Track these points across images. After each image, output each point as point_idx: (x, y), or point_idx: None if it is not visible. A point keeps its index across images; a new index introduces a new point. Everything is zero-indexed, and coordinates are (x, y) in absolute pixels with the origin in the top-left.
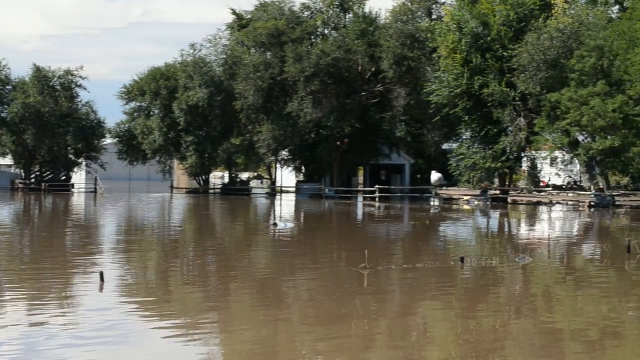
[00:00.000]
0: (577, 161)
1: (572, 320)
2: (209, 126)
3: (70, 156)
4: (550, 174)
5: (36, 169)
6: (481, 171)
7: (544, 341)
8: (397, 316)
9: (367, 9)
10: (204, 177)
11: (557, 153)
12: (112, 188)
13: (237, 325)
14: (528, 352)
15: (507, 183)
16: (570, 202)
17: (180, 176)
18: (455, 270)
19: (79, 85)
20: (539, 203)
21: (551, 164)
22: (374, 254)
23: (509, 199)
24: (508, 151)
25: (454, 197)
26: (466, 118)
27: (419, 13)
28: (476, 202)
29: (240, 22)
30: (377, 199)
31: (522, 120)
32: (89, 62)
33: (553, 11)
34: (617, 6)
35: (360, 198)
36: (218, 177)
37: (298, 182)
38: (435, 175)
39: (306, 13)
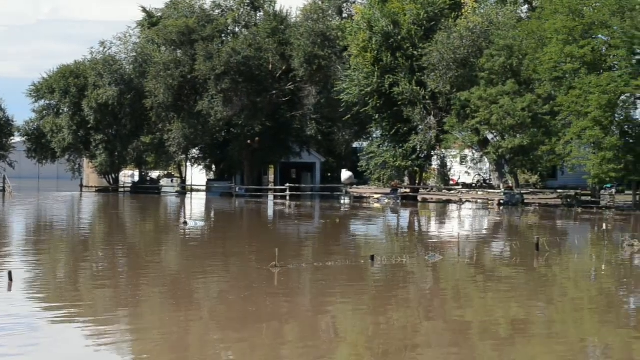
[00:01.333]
0: (486, 160)
1: (482, 317)
2: (119, 124)
3: None
4: (460, 173)
5: None
6: (391, 170)
7: (455, 338)
8: (308, 315)
9: (277, 8)
10: (114, 175)
11: (467, 151)
12: (21, 187)
13: (147, 325)
14: (438, 348)
15: (417, 181)
16: (480, 201)
17: (90, 175)
18: (366, 268)
19: None
20: (449, 201)
21: (461, 163)
22: (285, 252)
23: (419, 198)
24: (418, 150)
25: (365, 195)
26: (377, 117)
27: (329, 12)
28: (386, 201)
29: (151, 20)
30: (287, 198)
31: (432, 119)
32: None
33: (463, 10)
34: (526, 6)
35: (271, 197)
36: (128, 176)
37: (209, 180)
38: (345, 174)
39: (217, 11)
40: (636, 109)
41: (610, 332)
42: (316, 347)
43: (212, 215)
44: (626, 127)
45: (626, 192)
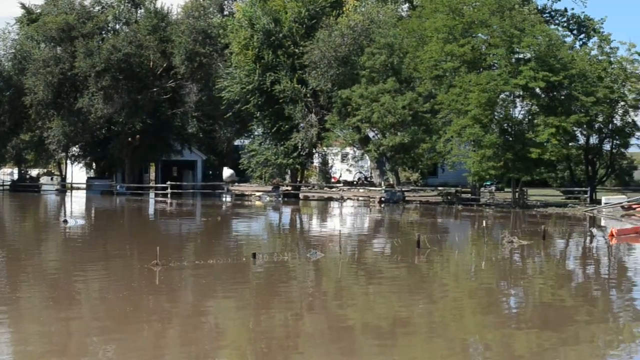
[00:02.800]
0: (367, 157)
1: (364, 314)
2: None
3: None
4: (341, 170)
5: None
6: (273, 167)
7: (337, 335)
8: (189, 314)
9: (158, 5)
10: None
11: (348, 149)
12: None
13: (25, 326)
14: (321, 346)
15: (298, 179)
16: (361, 198)
17: None
18: (248, 266)
19: None
20: (330, 199)
21: (342, 160)
22: (166, 251)
23: (301, 195)
24: (300, 147)
25: (246, 193)
26: (258, 114)
27: (211, 9)
28: (268, 199)
29: (30, 17)
30: (169, 196)
31: (314, 117)
32: None
33: (344, 9)
34: (407, 4)
35: (152, 195)
36: (7, 174)
37: (89, 178)
38: (227, 172)
39: (97, 8)
40: (515, 107)
41: (490, 328)
42: (198, 346)
43: (93, 213)
44: (505, 125)
45: (506, 190)
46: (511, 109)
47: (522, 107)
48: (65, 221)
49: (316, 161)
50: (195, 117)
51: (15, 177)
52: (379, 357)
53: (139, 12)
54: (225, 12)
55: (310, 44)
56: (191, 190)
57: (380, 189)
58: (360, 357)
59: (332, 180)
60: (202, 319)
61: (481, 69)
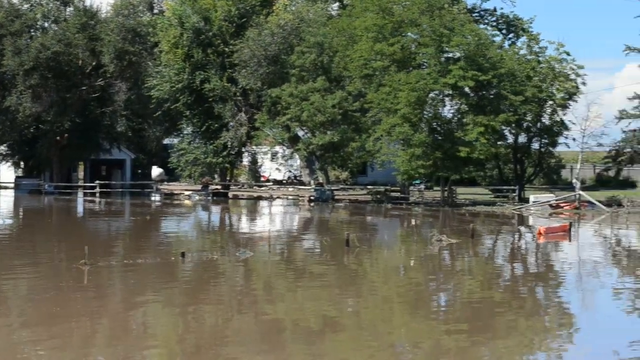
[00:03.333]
0: (297, 156)
1: (294, 314)
2: None
3: None
4: (271, 169)
5: None
6: (202, 166)
7: (266, 333)
8: (117, 313)
9: (87, 3)
10: None
11: (277, 148)
12: None
13: None
14: (250, 344)
15: (228, 178)
16: (290, 197)
17: None
18: (177, 265)
19: None
20: (260, 198)
21: (272, 159)
22: (95, 250)
23: (230, 194)
24: (229, 146)
25: (176, 192)
26: (187, 113)
27: (140, 7)
28: (197, 198)
29: None
30: (97, 195)
31: (243, 116)
32: None
33: (274, 7)
34: (336, 3)
35: (80, 194)
36: None
37: (17, 177)
38: (156, 171)
39: (26, 6)
40: (444, 106)
41: (419, 325)
42: (126, 345)
43: (21, 212)
44: (435, 124)
45: (435, 189)
46: (440, 108)
47: (451, 106)
48: None
49: (246, 160)
50: (125, 116)
51: None
52: (308, 355)
53: (68, 10)
54: (155, 10)
55: (240, 42)
56: (120, 190)
57: (309, 187)
58: (290, 355)
59: (262, 179)
60: (131, 318)
61: (411, 68)
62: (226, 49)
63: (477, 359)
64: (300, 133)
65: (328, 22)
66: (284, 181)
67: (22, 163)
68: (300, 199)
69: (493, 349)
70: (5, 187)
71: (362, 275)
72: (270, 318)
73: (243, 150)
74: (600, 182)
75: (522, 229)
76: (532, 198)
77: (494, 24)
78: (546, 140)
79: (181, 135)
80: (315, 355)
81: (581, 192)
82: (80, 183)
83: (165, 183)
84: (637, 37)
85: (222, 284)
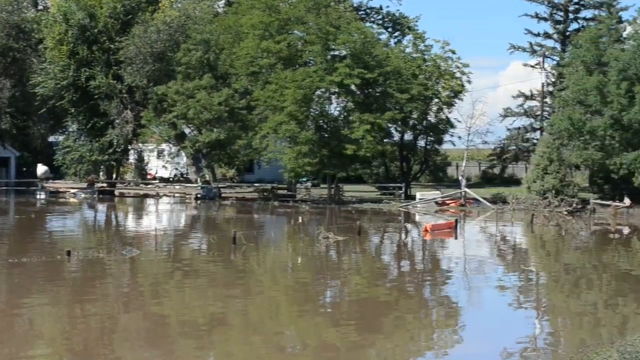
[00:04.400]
0: (183, 154)
1: (181, 312)
2: None
3: None
4: (157, 167)
5: None
6: (88, 164)
7: (154, 331)
8: (1, 313)
9: None
10: None
11: (164, 146)
12: None
13: None
14: (137, 341)
15: (114, 176)
16: (177, 195)
17: None
18: (63, 264)
19: None
20: (146, 196)
21: (158, 157)
22: None
23: (117, 192)
24: (115, 144)
25: (61, 190)
26: (73, 110)
27: (25, 3)
28: (83, 196)
29: None
30: None
31: (129, 113)
32: None
33: (160, 4)
34: (223, 1)
35: None
36: None
37: None
38: (41, 168)
39: None
40: (331, 103)
41: (306, 322)
42: (12, 345)
43: None
44: (321, 121)
45: (321, 186)
46: (327, 106)
47: (337, 104)
48: None
49: (132, 158)
50: (9, 113)
51: None
52: (196, 353)
53: None
54: (40, 7)
55: (125, 39)
56: (4, 188)
57: (196, 185)
58: (178, 354)
59: (148, 177)
60: (16, 319)
61: (297, 66)
62: (112, 46)
63: (365, 357)
64: (187, 131)
65: (214, 20)
66: (171, 179)
67: None
68: (187, 196)
69: (381, 346)
70: None
71: (249, 272)
72: (157, 315)
73: (129, 148)
74: (486, 180)
75: (409, 226)
76: (418, 195)
77: (380, 22)
78: (432, 138)
79: (66, 132)
80: (204, 352)
81: (467, 190)
82: None
83: (51, 181)
84: (522, 36)
85: (108, 282)
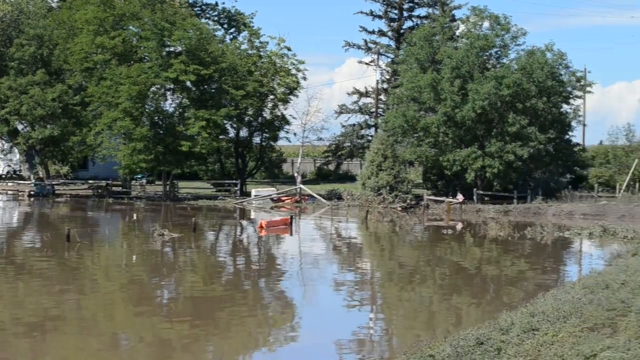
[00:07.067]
0: (17, 150)
1: (13, 310)
2: None
3: None
4: None
5: None
6: None
7: None
8: None
9: None
10: None
11: None
12: None
13: None
14: None
15: None
16: (10, 192)
17: None
18: None
19: None
20: None
21: None
22: None
23: None
24: None
25: None
26: None
27: None
28: None
29: None
30: None
31: None
32: None
33: None
34: None
35: None
36: None
37: None
38: None
39: None
40: (166, 100)
41: (142, 320)
42: None
43: None
44: (156, 118)
45: (157, 183)
46: (162, 102)
47: (173, 100)
48: None
49: None
50: None
51: None
52: (30, 354)
53: None
54: None
55: None
56: None
57: (29, 182)
58: (10, 354)
59: None
60: None
61: (132, 62)
62: None
63: (201, 354)
64: (20, 127)
65: (48, 14)
66: (3, 176)
67: None
68: (20, 193)
69: (217, 343)
70: None
71: (83, 270)
72: None
73: None
74: (321, 176)
75: (244, 222)
76: (253, 192)
77: (216, 18)
78: (267, 135)
79: None
80: (37, 353)
81: (302, 186)
82: None
83: None
84: (357, 33)
85: None
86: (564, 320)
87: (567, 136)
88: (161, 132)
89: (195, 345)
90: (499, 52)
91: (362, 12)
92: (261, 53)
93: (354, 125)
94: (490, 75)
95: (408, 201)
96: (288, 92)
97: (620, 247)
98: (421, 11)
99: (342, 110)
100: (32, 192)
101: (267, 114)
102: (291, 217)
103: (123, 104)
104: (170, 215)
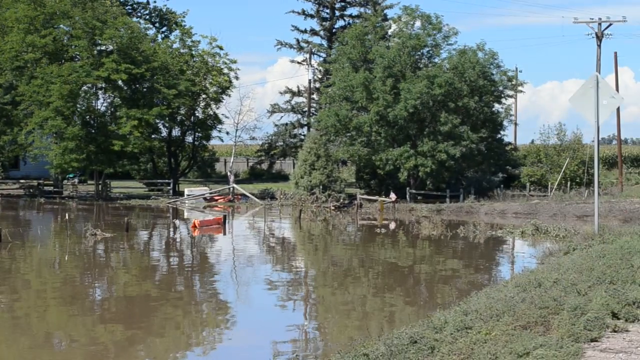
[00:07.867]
0: None
1: None
2: None
3: None
4: None
5: None
6: None
7: None
8: None
9: None
10: None
11: None
12: None
13: None
14: None
15: None
16: None
17: None
18: None
19: None
20: None
21: None
22: None
23: None
24: None
25: None
26: None
27: None
28: None
29: None
30: None
31: None
32: None
33: None
34: None
35: None
36: None
37: None
38: None
39: None
40: (98, 99)
41: (74, 321)
42: None
43: None
44: (88, 117)
45: (89, 182)
46: (94, 101)
47: (104, 100)
48: None
49: None
50: None
51: None
52: None
53: None
54: None
55: None
56: None
57: None
58: None
59: None
60: None
61: (63, 61)
62: None
63: (134, 355)
64: None
65: None
66: None
67: None
68: None
69: (150, 344)
70: None
71: (15, 270)
72: None
73: None
74: (254, 175)
75: (177, 222)
76: (186, 191)
77: (147, 17)
78: (200, 134)
79: None
80: None
81: (235, 185)
82: None
83: None
84: (289, 33)
85: None
86: (497, 318)
87: (499, 135)
88: (93, 131)
89: (128, 345)
90: (430, 52)
91: (294, 12)
92: (193, 52)
93: (286, 124)
94: (422, 74)
95: (341, 200)
96: (220, 91)
97: (552, 246)
98: (353, 10)
99: (275, 109)
100: None
101: (199, 113)
102: (224, 217)
103: (54, 103)
104: (102, 215)
